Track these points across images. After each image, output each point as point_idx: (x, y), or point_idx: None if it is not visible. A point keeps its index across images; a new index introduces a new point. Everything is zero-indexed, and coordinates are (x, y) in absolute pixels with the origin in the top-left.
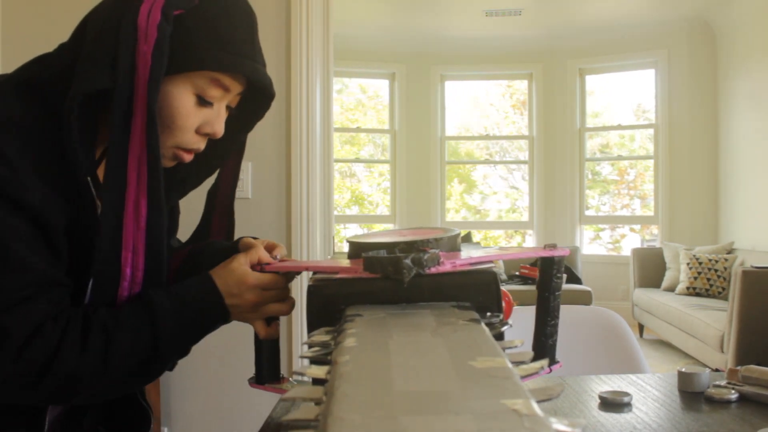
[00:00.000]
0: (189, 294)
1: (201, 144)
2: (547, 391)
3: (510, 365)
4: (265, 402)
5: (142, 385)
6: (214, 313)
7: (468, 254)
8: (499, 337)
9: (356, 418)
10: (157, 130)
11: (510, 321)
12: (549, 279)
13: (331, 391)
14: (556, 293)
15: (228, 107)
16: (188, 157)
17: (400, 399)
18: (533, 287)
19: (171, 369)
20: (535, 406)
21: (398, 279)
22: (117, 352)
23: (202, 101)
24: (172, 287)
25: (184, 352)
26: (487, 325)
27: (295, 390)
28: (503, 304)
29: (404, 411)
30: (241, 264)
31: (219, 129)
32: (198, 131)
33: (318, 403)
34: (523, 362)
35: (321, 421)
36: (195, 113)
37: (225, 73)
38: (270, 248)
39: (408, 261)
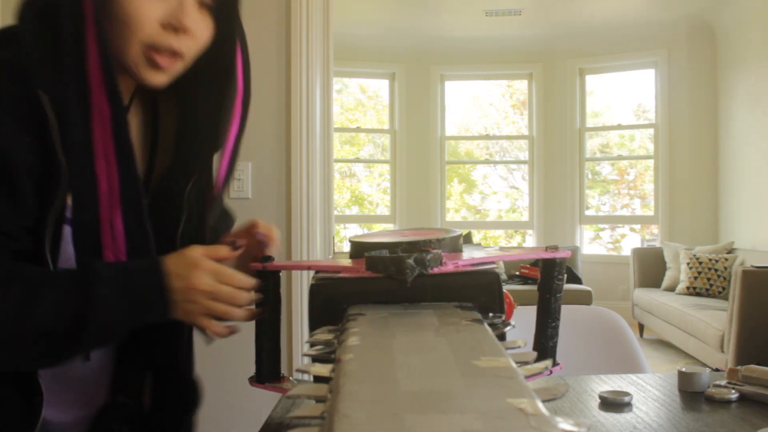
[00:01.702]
0: (131, 266)
1: (174, 42)
2: (552, 390)
3: (514, 365)
4: (265, 402)
5: (57, 361)
6: (154, 291)
7: (470, 255)
8: (501, 337)
9: (362, 415)
10: (106, 30)
11: (513, 322)
12: (550, 281)
13: (336, 389)
14: (558, 295)
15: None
16: (165, 61)
17: (405, 397)
18: (534, 287)
19: (87, 358)
20: (541, 406)
21: (401, 279)
22: (37, 308)
23: None
24: (117, 261)
25: (112, 334)
26: (490, 325)
27: (299, 387)
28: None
29: (410, 409)
30: (194, 249)
31: (187, 21)
32: (164, 26)
33: (322, 400)
34: (527, 362)
35: (326, 418)
36: (151, 3)
37: None
38: (253, 226)
39: (411, 261)
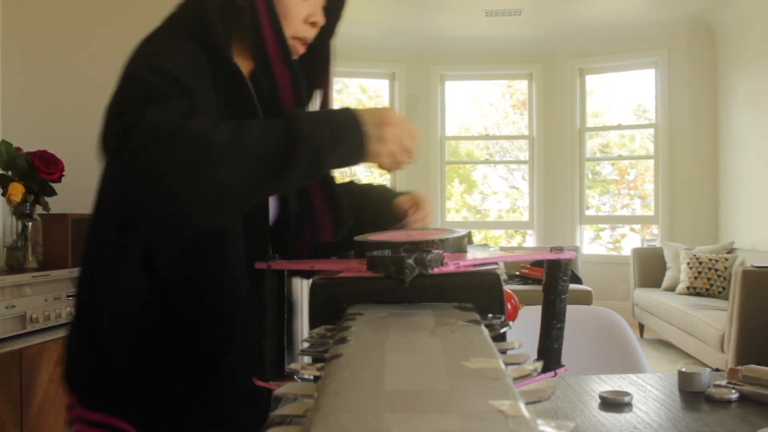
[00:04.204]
0: (326, 111)
1: (309, 33)
2: (538, 392)
3: (503, 366)
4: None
5: (270, 186)
6: (351, 127)
7: (473, 255)
8: (501, 338)
9: (342, 415)
10: (277, 16)
11: (510, 322)
12: (555, 282)
13: (322, 388)
14: (562, 296)
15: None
16: (301, 48)
17: (388, 397)
18: (534, 287)
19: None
20: (523, 408)
21: (400, 279)
22: (248, 135)
23: None
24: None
25: (318, 163)
26: (487, 326)
27: (287, 386)
28: (508, 306)
29: (391, 409)
30: (388, 108)
31: (320, 18)
32: (306, 22)
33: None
34: (518, 364)
35: (308, 417)
36: (301, 4)
37: None
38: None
39: (411, 261)
